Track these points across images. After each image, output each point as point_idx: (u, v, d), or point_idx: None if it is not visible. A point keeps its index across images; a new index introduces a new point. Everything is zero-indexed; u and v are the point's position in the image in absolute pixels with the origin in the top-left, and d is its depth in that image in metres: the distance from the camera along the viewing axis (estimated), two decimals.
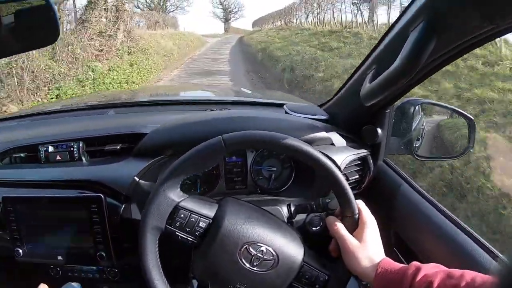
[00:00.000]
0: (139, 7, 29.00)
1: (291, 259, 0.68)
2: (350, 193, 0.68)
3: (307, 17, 16.76)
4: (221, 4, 51.81)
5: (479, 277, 0.55)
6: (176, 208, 0.67)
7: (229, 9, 52.74)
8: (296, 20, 18.60)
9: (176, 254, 0.76)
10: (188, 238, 0.68)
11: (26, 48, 0.73)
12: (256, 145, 0.73)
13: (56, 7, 0.65)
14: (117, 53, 8.84)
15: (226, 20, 52.05)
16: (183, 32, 23.01)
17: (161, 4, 32.97)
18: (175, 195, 0.67)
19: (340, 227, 0.69)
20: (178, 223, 0.67)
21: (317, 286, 0.69)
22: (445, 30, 0.56)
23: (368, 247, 0.66)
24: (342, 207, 0.70)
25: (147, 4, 31.71)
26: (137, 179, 0.84)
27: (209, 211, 0.69)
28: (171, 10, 35.78)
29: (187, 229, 0.67)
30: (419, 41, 0.57)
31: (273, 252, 0.67)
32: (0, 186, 0.89)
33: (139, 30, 12.86)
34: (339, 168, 0.86)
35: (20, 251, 0.85)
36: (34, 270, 0.93)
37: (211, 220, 0.68)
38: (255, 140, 0.68)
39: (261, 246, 0.66)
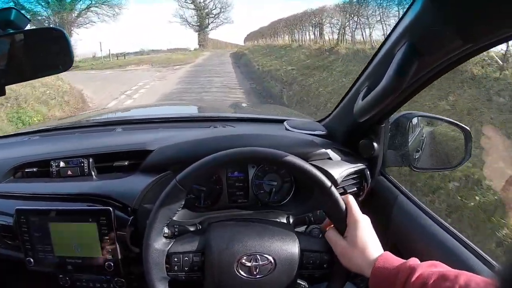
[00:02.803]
0: None
1: (287, 255, 0.72)
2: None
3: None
4: (193, 1, 33.24)
5: (474, 280, 0.56)
6: (169, 255, 0.73)
7: (206, 10, 34.17)
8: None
9: None
10: (191, 275, 0.74)
11: (40, 75, 0.78)
12: (209, 171, 0.77)
13: (69, 36, 0.70)
14: None
15: (201, 29, 33.68)
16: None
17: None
18: (162, 245, 0.73)
19: (330, 232, 0.73)
20: (176, 267, 0.73)
21: (324, 265, 0.73)
22: (427, 50, 0.61)
23: (359, 245, 0.68)
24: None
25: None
26: (144, 193, 0.88)
27: (197, 246, 0.74)
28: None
29: (186, 269, 0.73)
30: (403, 60, 0.61)
31: (267, 256, 0.71)
32: (14, 199, 0.94)
33: None
34: (335, 182, 0.89)
35: (32, 260, 0.89)
36: (44, 278, 0.97)
37: (201, 253, 0.73)
38: (205, 169, 0.73)
39: (253, 255, 0.71)
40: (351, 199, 0.74)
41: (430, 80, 0.72)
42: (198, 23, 34.65)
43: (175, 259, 0.72)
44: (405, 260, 0.64)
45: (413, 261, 0.63)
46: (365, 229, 0.70)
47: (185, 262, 0.72)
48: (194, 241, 0.75)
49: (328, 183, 0.72)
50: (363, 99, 0.77)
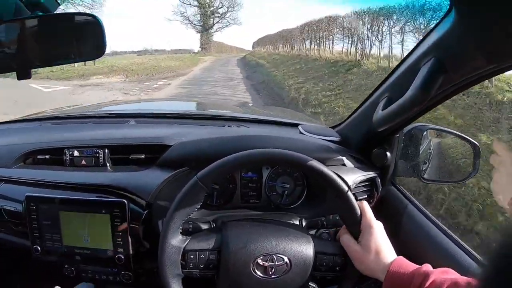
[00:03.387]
0: None
1: (302, 256, 0.73)
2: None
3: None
4: None
5: None
6: (184, 253, 0.73)
7: (212, 9, 30.46)
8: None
9: None
10: (205, 273, 0.74)
11: (75, 59, 0.77)
12: (230, 171, 0.78)
13: (103, 24, 0.70)
14: None
15: (205, 29, 30.52)
16: None
17: None
18: (179, 242, 0.74)
19: (345, 237, 0.75)
20: (191, 264, 0.74)
21: (337, 268, 0.75)
22: (453, 67, 0.62)
23: (373, 250, 0.70)
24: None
25: None
26: (160, 188, 0.88)
27: (213, 244, 0.75)
28: None
29: (201, 266, 0.74)
30: (430, 74, 0.63)
31: (283, 256, 0.72)
32: (24, 185, 0.93)
33: None
34: (348, 186, 0.91)
35: (39, 248, 0.89)
36: (48, 269, 0.96)
37: (217, 251, 0.74)
38: (227, 168, 0.74)
39: (270, 255, 0.72)
40: (365, 205, 0.76)
41: (451, 94, 0.73)
42: (202, 23, 31.33)
43: (191, 257, 0.73)
44: (418, 266, 0.66)
45: (427, 267, 0.65)
46: (378, 234, 0.72)
47: (200, 260, 0.73)
48: (211, 239, 0.76)
49: (345, 187, 0.74)
50: (383, 109, 0.78)
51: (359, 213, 0.74)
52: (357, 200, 0.94)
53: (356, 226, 0.74)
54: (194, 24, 32.06)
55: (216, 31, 32.89)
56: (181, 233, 0.75)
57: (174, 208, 0.73)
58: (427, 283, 0.61)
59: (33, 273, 1.12)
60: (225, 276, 0.73)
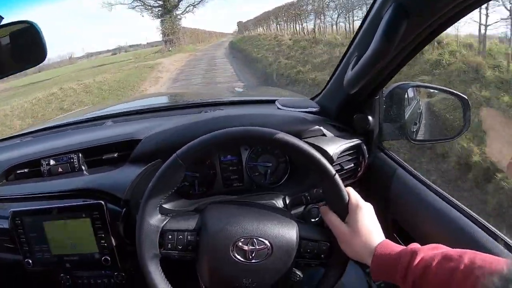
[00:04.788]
0: None
1: (284, 241, 0.69)
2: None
3: None
4: None
5: (479, 257, 0.53)
6: (163, 232, 0.70)
7: None
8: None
9: (184, 273, 0.78)
10: (184, 255, 0.71)
11: (20, 68, 0.75)
12: (212, 148, 0.72)
13: (40, 29, 0.67)
14: None
15: (167, 10, 21.08)
16: None
17: None
18: (157, 221, 0.70)
19: (331, 216, 0.70)
20: (169, 244, 0.70)
21: (322, 255, 0.71)
22: (415, 9, 0.57)
23: (361, 232, 0.66)
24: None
25: None
26: (134, 184, 0.86)
27: (192, 225, 0.72)
28: None
29: (179, 247, 0.70)
30: (390, 22, 0.58)
31: (264, 240, 0.68)
32: (8, 202, 0.93)
33: None
34: (331, 158, 0.87)
35: (31, 261, 0.88)
36: (45, 279, 0.96)
37: (196, 233, 0.71)
38: (208, 144, 0.70)
39: (250, 238, 0.68)
40: (351, 190, 0.71)
41: (421, 45, 0.68)
42: (161, 1, 20.80)
43: (169, 237, 0.70)
44: (405, 246, 0.62)
45: (414, 245, 0.61)
46: (367, 216, 0.68)
47: (179, 241, 0.70)
48: (190, 219, 0.72)
49: (332, 171, 0.69)
50: (352, 69, 0.74)
51: (346, 197, 0.69)
52: (343, 170, 0.92)
53: (343, 208, 0.69)
54: (148, 5, 21.01)
55: (185, 12, 22.25)
56: (160, 213, 0.72)
57: (152, 186, 0.70)
58: (416, 261, 0.57)
59: (32, 287, 1.12)
60: (204, 259, 0.69)
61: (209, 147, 0.71)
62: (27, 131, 1.37)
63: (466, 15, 0.60)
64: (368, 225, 0.67)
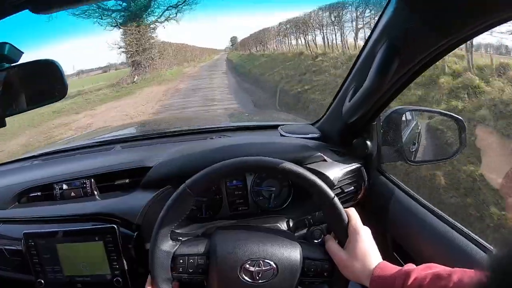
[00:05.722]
0: None
1: (289, 261, 0.73)
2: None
3: None
4: None
5: (467, 275, 0.58)
6: (174, 257, 0.75)
7: None
8: None
9: None
10: (194, 277, 0.75)
11: (37, 105, 0.80)
12: (219, 178, 0.78)
13: (61, 65, 0.72)
14: None
15: (133, 15, 12.87)
16: None
17: None
18: (169, 247, 0.75)
19: (331, 244, 0.74)
20: (180, 268, 0.74)
21: (325, 274, 0.75)
22: (406, 47, 0.62)
23: (359, 257, 0.70)
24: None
25: None
26: (146, 209, 0.90)
27: (202, 249, 0.76)
28: None
29: (190, 271, 0.74)
30: (383, 59, 0.63)
31: (269, 261, 0.72)
32: (21, 223, 0.96)
33: None
34: (331, 183, 0.91)
35: (43, 282, 0.91)
36: None
37: (206, 256, 0.75)
38: (216, 174, 0.75)
39: (256, 260, 0.72)
40: (353, 211, 0.76)
41: (414, 76, 0.73)
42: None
43: (180, 261, 0.74)
44: (400, 268, 0.66)
45: (408, 266, 0.65)
46: (365, 240, 0.72)
47: (190, 264, 0.74)
48: (200, 244, 0.76)
49: (331, 194, 0.74)
50: (350, 100, 0.79)
51: (346, 219, 0.74)
52: (344, 193, 0.96)
53: (342, 233, 0.74)
54: (106, 8, 13.23)
55: (162, 17, 14.12)
56: (171, 239, 0.76)
57: (163, 215, 0.74)
58: (410, 281, 0.62)
59: None
60: (214, 281, 0.73)
61: (215, 177, 0.76)
62: (37, 154, 1.40)
63: (454, 49, 0.65)
64: (365, 249, 0.71)
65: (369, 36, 0.75)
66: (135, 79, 12.85)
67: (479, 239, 0.75)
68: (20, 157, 1.42)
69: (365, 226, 0.74)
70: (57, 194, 1.00)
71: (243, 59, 15.83)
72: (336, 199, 0.74)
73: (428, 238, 0.82)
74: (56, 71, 0.73)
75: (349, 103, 0.78)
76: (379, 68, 0.63)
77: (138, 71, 13.43)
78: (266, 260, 0.72)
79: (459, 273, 0.59)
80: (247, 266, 0.72)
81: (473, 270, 0.58)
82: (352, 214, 0.75)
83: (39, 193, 1.03)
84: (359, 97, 0.72)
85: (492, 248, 0.72)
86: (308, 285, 0.77)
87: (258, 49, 15.68)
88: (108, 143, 1.32)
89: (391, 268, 0.67)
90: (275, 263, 0.72)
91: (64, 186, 1.00)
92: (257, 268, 0.72)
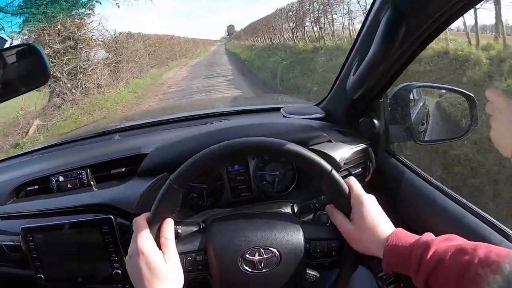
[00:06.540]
0: None
1: (291, 245, 0.69)
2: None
3: None
4: None
5: (493, 250, 0.52)
6: None
7: None
8: None
9: None
10: (196, 275, 0.71)
11: (27, 89, 0.77)
12: (203, 167, 0.70)
13: (42, 50, 0.69)
14: None
15: None
16: None
17: None
18: None
19: (337, 216, 0.69)
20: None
21: (333, 253, 0.70)
22: (411, 11, 0.57)
23: (367, 227, 0.64)
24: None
25: None
26: (143, 197, 0.86)
27: (198, 245, 0.72)
28: None
29: (189, 269, 0.70)
30: (388, 25, 0.58)
31: (271, 248, 0.68)
32: (19, 218, 0.94)
33: None
34: (338, 164, 0.86)
35: (43, 276, 0.89)
36: None
37: (203, 252, 0.71)
38: (197, 165, 0.68)
39: (257, 249, 0.68)
40: (353, 181, 0.70)
41: (421, 46, 0.67)
42: None
43: None
44: (418, 236, 0.60)
45: (427, 236, 0.59)
46: (371, 209, 0.66)
47: (188, 262, 0.70)
48: (196, 240, 0.73)
49: (328, 167, 0.68)
50: (354, 74, 0.73)
51: (347, 190, 0.68)
52: (351, 175, 0.91)
53: (345, 205, 0.68)
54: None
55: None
56: None
57: (152, 215, 0.70)
58: (429, 254, 0.55)
59: None
60: (216, 276, 0.70)
61: (204, 165, 0.69)
62: (35, 149, 1.39)
63: (462, 15, 0.59)
64: (373, 218, 0.65)
65: (372, 4, 0.69)
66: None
67: (495, 221, 0.70)
68: (17, 154, 1.41)
69: (369, 194, 0.68)
70: (54, 187, 0.97)
71: (252, 54, 13.15)
72: (334, 172, 0.68)
73: (438, 220, 0.78)
74: (37, 55, 0.70)
75: (353, 77, 0.72)
76: (384, 35, 0.58)
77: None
78: (267, 248, 0.68)
79: (484, 248, 0.52)
80: (248, 256, 0.68)
81: (498, 247, 0.53)
82: (353, 184, 0.69)
83: (36, 187, 1.01)
84: (363, 68, 0.66)
85: (508, 230, 0.67)
86: (317, 267, 0.73)
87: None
88: (108, 133, 1.29)
89: (407, 237, 0.61)
90: (277, 249, 0.68)
91: (60, 178, 0.97)
92: (258, 257, 0.68)
